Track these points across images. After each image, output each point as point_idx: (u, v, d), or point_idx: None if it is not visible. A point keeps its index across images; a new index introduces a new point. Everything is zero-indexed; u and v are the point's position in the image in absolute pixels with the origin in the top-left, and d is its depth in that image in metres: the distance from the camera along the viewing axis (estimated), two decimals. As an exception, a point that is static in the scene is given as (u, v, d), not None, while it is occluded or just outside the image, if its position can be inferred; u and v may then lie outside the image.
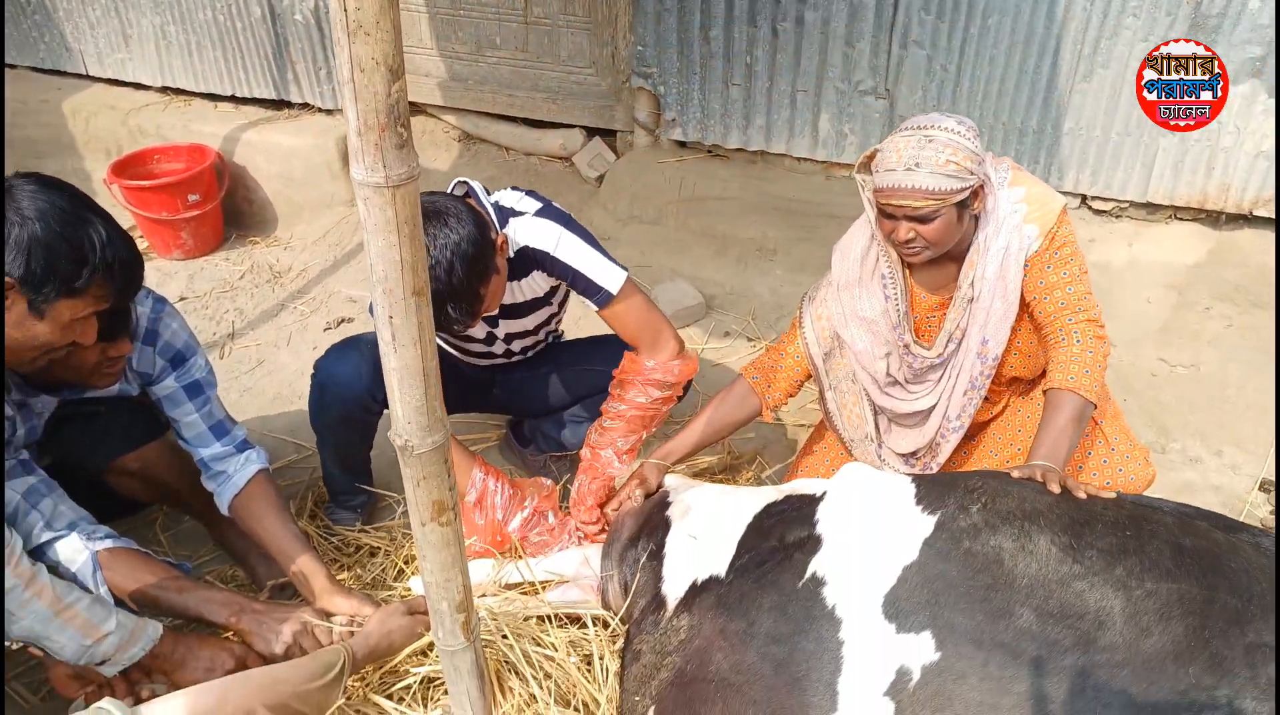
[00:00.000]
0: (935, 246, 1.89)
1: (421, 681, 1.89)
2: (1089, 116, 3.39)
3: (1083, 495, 1.54)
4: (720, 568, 1.69)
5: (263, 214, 4.29)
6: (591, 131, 4.22)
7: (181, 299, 3.73)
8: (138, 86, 4.66)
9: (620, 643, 1.94)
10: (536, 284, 2.22)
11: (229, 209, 4.19)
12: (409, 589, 2.21)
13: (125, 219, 3.79)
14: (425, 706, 1.86)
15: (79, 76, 4.73)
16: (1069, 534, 1.39)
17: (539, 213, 2.13)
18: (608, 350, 2.38)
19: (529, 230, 2.09)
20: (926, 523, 1.48)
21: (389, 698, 1.86)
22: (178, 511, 2.50)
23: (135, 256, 1.77)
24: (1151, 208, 3.54)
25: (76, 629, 1.69)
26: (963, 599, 1.36)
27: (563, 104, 4.14)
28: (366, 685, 1.89)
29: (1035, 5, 3.24)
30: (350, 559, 2.38)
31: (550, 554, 2.19)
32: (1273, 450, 2.74)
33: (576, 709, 1.84)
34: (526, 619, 1.98)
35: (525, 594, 2.11)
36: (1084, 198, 3.59)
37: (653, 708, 1.62)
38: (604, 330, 2.35)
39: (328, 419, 2.31)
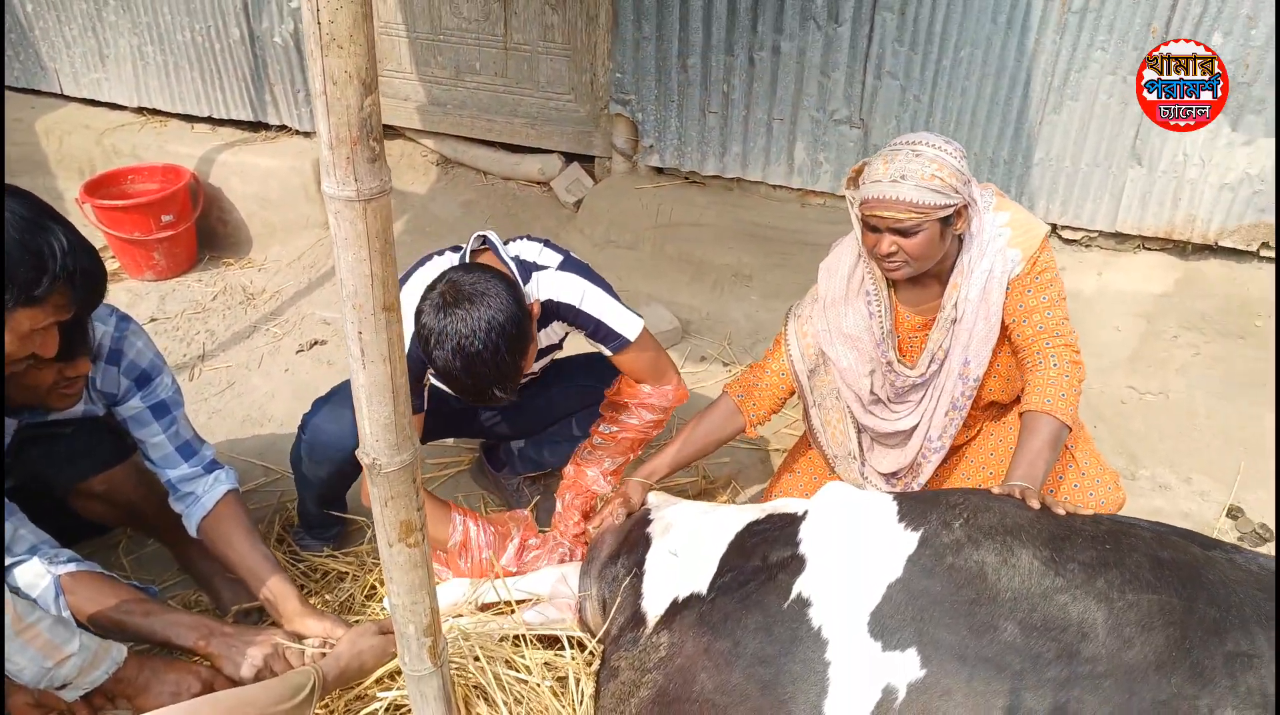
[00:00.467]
0: (916, 261, 1.91)
1: (388, 708, 1.84)
2: (1059, 147, 3.46)
3: (1061, 512, 1.56)
4: (702, 585, 1.68)
5: (237, 235, 4.26)
6: (570, 157, 4.24)
7: (152, 320, 3.67)
8: (113, 106, 4.63)
9: (596, 664, 1.91)
10: (553, 332, 2.24)
11: (203, 230, 4.15)
12: (384, 608, 2.16)
13: (97, 239, 3.74)
14: (391, 732, 1.82)
15: (54, 95, 4.70)
16: (1050, 548, 1.39)
17: (561, 266, 2.14)
18: (595, 366, 2.38)
19: (555, 285, 2.11)
20: (910, 539, 1.48)
21: (355, 724, 1.81)
22: (143, 535, 2.45)
23: (98, 266, 1.73)
24: (1120, 237, 3.61)
25: (38, 650, 1.63)
26: (947, 614, 1.35)
27: (541, 129, 4.16)
28: (330, 712, 1.84)
29: (1006, 38, 3.32)
30: (318, 584, 2.34)
31: (527, 573, 2.16)
32: (1241, 476, 2.78)
33: (549, 733, 1.80)
34: (501, 639, 1.95)
35: (501, 613, 2.08)
36: (1054, 227, 3.65)
37: (632, 727, 1.59)
38: (587, 348, 2.35)
39: (318, 473, 2.28)
